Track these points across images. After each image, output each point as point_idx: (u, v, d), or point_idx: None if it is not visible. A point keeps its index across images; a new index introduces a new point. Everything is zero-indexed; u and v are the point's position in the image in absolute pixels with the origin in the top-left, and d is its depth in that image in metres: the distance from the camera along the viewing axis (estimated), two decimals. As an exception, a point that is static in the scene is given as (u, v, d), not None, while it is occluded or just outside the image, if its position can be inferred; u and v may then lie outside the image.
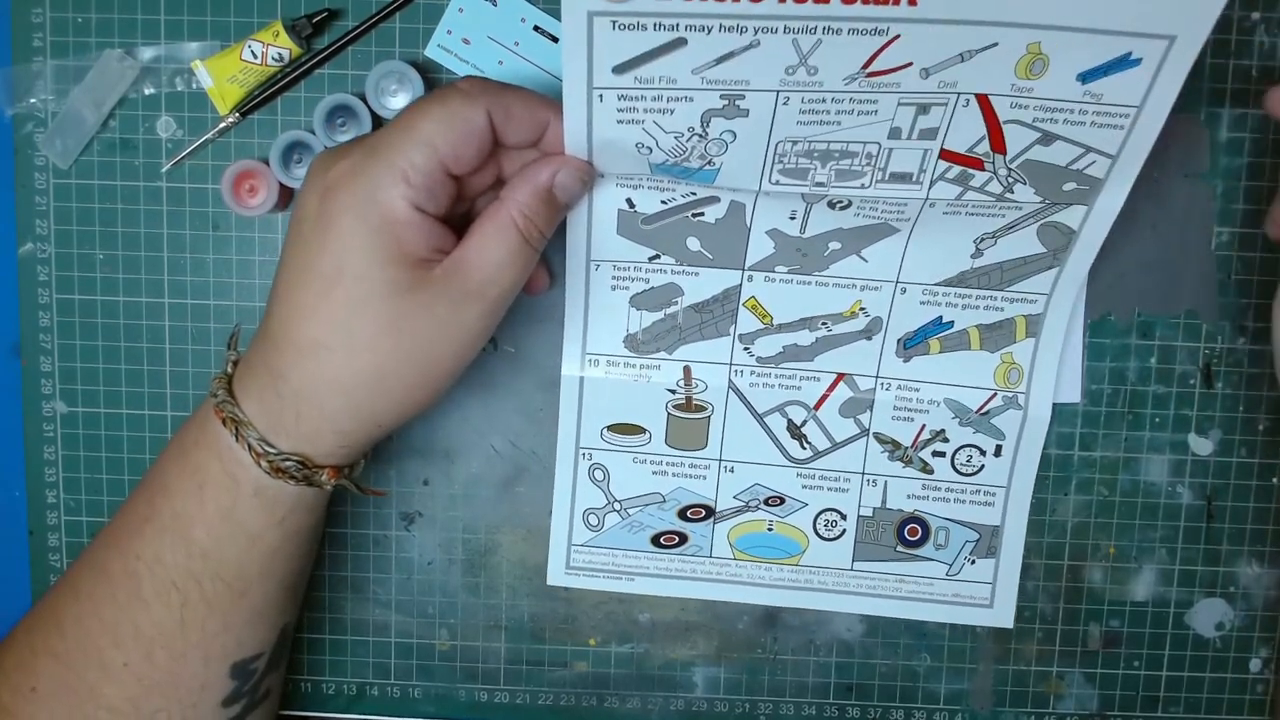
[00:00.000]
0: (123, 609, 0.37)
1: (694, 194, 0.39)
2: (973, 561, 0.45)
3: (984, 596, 0.45)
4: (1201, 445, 0.44)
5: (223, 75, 0.42)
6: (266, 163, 0.42)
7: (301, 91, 0.43)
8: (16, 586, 0.46)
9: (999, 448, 0.44)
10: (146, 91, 0.43)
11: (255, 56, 0.41)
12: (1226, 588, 0.45)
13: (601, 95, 0.35)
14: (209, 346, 0.44)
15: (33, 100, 0.43)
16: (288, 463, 0.35)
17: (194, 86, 0.43)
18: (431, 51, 0.42)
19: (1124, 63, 0.34)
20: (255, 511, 0.36)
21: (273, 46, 0.41)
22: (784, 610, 0.46)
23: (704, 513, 0.45)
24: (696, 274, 0.42)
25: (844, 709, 0.46)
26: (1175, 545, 0.45)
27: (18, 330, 0.44)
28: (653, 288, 0.42)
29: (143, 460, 0.45)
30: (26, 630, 0.39)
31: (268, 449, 0.35)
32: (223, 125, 0.43)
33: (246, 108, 0.42)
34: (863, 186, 0.38)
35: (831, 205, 0.39)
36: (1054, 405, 0.44)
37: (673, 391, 0.43)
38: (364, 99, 0.42)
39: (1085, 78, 0.34)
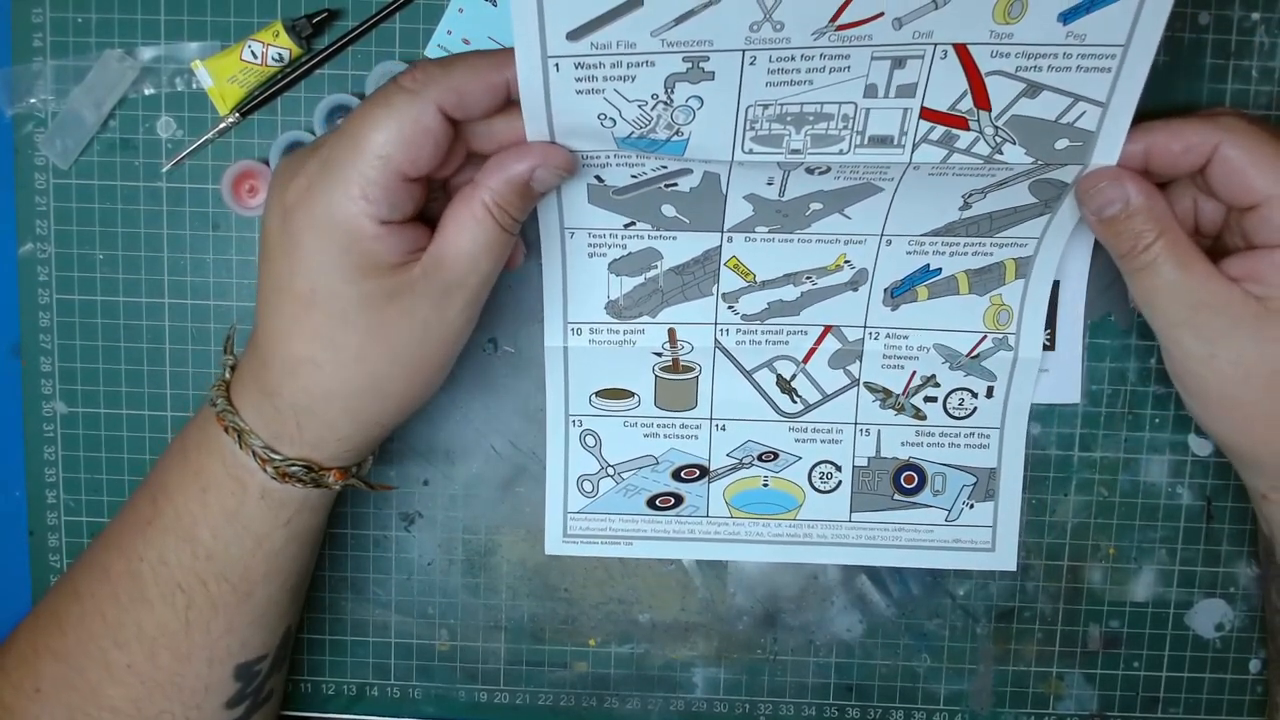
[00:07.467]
0: (125, 609, 0.37)
1: (664, 167, 0.38)
2: (971, 506, 0.44)
3: (985, 540, 0.45)
4: (1201, 446, 0.44)
5: (223, 75, 0.42)
6: (266, 163, 0.42)
7: (301, 92, 0.43)
8: (16, 587, 0.46)
9: (990, 389, 0.43)
10: (146, 91, 0.43)
11: (255, 56, 0.41)
12: (1226, 588, 0.45)
13: (558, 65, 0.33)
14: (209, 346, 0.44)
15: (33, 100, 0.43)
16: (294, 468, 0.35)
17: (194, 86, 0.43)
18: (431, 51, 0.42)
19: None
20: (262, 513, 0.36)
21: (273, 46, 0.41)
22: (784, 610, 0.46)
23: (698, 473, 0.44)
24: (675, 238, 0.41)
25: (844, 709, 0.46)
26: (1175, 546, 0.45)
27: (18, 330, 0.44)
28: (631, 253, 0.41)
29: (143, 460, 0.45)
30: (28, 630, 0.39)
31: (273, 455, 0.35)
32: (223, 125, 0.42)
33: (246, 108, 0.42)
34: (841, 152, 0.36)
35: (810, 171, 0.38)
36: (1054, 406, 0.44)
37: (659, 354, 0.43)
38: (364, 99, 0.42)
39: (1066, 17, 0.33)
